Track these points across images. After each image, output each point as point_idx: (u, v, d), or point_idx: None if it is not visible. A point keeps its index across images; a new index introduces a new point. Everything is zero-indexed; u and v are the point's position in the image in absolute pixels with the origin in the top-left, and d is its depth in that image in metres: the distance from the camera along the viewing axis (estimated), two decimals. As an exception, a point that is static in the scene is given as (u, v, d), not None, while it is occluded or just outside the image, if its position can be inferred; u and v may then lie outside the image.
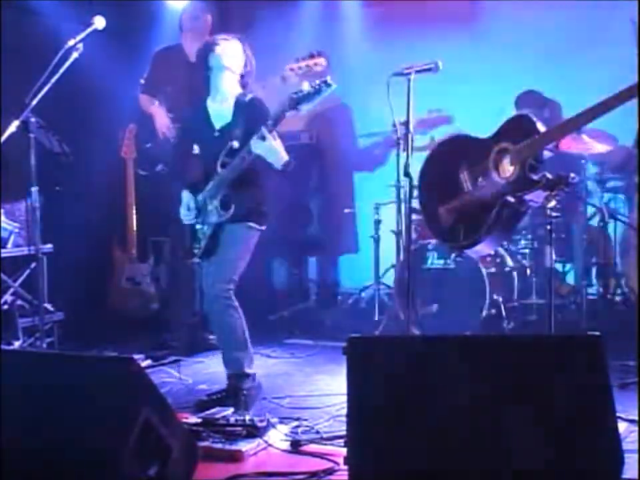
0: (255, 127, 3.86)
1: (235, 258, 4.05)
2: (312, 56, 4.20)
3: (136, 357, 3.26)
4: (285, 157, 3.87)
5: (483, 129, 3.98)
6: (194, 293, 5.53)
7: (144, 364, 4.79)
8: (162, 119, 5.43)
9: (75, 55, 4.12)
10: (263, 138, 3.79)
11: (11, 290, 5.16)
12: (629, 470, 2.68)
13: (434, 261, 5.26)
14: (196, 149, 4.24)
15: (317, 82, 3.74)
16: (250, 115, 4.00)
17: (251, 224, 4.05)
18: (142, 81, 5.57)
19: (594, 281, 5.57)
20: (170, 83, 5.47)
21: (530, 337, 3.36)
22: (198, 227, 4.14)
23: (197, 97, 4.27)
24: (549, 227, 3.63)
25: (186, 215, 4.15)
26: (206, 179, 4.08)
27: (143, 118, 5.60)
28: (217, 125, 4.10)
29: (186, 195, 4.15)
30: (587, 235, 5.43)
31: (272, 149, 3.82)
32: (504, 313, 5.09)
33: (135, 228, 5.75)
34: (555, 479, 2.49)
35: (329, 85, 3.72)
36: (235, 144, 3.91)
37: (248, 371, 4.05)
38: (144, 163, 5.67)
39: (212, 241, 4.07)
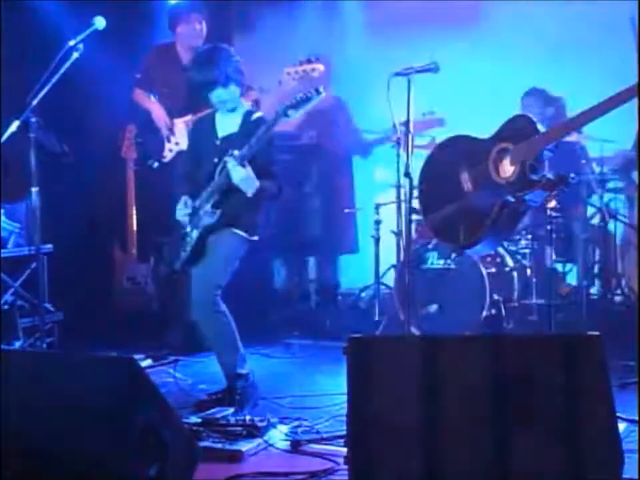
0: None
1: (220, 263, 4.06)
2: (309, 61, 4.23)
3: (136, 357, 3.26)
4: (256, 182, 3.93)
5: (484, 130, 3.98)
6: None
7: (144, 364, 4.78)
8: (159, 113, 5.44)
9: (75, 55, 4.12)
10: (243, 165, 3.87)
11: (11, 290, 5.16)
12: (629, 470, 2.68)
13: (434, 261, 5.25)
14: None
15: (310, 91, 3.82)
16: (254, 132, 4.00)
17: (237, 231, 4.06)
18: (137, 76, 5.56)
19: (594, 280, 5.57)
20: (166, 83, 5.47)
21: (530, 336, 3.36)
22: (187, 230, 4.14)
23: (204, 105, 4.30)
24: (549, 227, 3.63)
25: (181, 211, 4.16)
26: (204, 185, 4.10)
27: (140, 114, 5.60)
28: (221, 134, 4.14)
29: (184, 200, 4.17)
30: (586, 235, 5.42)
31: (249, 177, 3.90)
32: (504, 313, 5.09)
33: (135, 228, 5.74)
34: (555, 479, 2.49)
35: (319, 93, 3.81)
36: (236, 152, 3.93)
37: (240, 371, 4.07)
38: (135, 158, 5.69)
39: (199, 245, 4.09)
